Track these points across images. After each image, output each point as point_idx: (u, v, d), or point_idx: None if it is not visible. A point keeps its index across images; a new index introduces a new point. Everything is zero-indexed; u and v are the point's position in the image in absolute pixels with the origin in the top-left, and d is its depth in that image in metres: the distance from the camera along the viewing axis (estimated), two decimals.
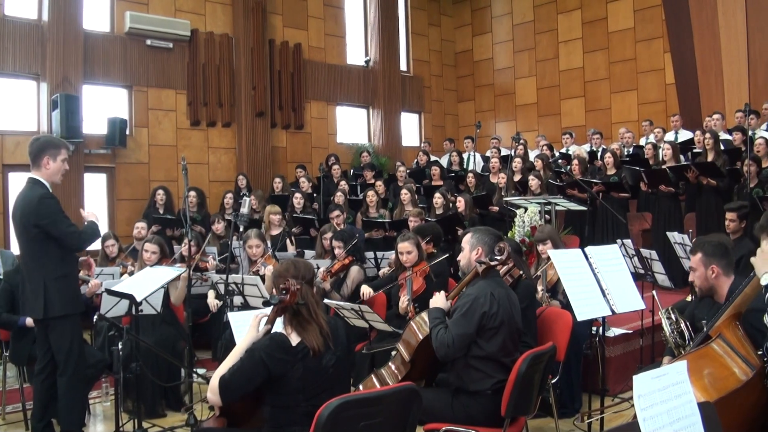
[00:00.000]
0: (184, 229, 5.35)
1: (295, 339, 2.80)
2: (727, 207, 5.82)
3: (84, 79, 9.48)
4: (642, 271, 5.70)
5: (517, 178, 8.75)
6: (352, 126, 13.32)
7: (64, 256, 4.07)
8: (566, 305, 4.23)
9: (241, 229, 5.28)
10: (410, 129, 14.39)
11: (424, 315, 3.52)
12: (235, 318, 3.62)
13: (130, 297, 4.28)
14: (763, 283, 2.56)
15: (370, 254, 6.54)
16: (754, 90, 10.04)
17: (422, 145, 12.77)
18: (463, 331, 3.29)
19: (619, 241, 5.74)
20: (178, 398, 5.13)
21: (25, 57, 9.10)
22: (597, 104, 12.95)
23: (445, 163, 10.76)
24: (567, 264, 4.13)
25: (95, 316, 4.43)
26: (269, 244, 6.54)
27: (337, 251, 5.80)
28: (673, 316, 3.60)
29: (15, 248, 4.79)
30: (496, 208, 8.19)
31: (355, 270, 5.69)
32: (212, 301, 5.71)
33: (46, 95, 9.16)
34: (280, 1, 12.00)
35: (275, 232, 7.49)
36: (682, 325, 3.52)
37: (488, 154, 10.63)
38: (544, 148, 10.23)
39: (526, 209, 6.89)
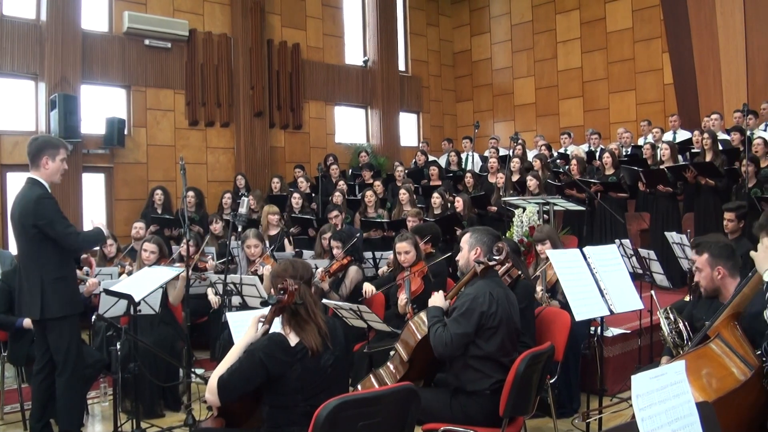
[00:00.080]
0: (183, 229, 5.35)
1: (293, 339, 2.80)
2: (726, 207, 5.82)
3: (82, 79, 9.48)
4: (640, 271, 5.70)
5: (515, 178, 8.76)
6: (351, 126, 13.31)
7: (62, 257, 4.07)
8: (566, 305, 4.23)
9: (240, 229, 5.28)
10: (408, 129, 14.39)
11: (423, 315, 3.53)
12: (233, 318, 3.62)
13: (128, 297, 4.28)
14: (765, 278, 2.55)
15: (368, 254, 6.54)
16: (753, 90, 10.05)
17: (420, 145, 12.77)
18: (461, 331, 3.29)
19: (617, 241, 5.75)
20: (177, 398, 5.12)
21: (23, 57, 9.09)
22: (595, 104, 12.96)
23: (444, 163, 10.77)
24: (565, 264, 4.13)
25: (93, 316, 4.43)
26: (267, 244, 6.54)
27: (335, 251, 5.79)
28: (671, 316, 3.61)
29: (13, 248, 4.77)
30: (494, 208, 8.19)
31: (353, 270, 5.69)
32: (213, 297, 5.73)
33: (45, 95, 9.15)
34: (278, 1, 12.00)
35: (273, 232, 7.48)
36: (681, 325, 3.53)
37: (486, 154, 10.64)
38: (543, 148, 10.23)
39: (524, 209, 6.90)
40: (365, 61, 13.41)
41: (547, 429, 4.53)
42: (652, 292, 5.19)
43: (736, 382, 2.51)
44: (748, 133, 7.77)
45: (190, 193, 8.41)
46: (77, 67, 9.37)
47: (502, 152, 10.16)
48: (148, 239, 5.61)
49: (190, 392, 5.03)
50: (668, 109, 11.50)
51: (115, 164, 9.99)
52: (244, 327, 3.04)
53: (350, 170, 11.77)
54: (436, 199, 8.14)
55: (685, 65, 10.89)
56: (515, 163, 8.95)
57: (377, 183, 9.33)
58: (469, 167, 10.32)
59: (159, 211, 8.55)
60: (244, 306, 4.96)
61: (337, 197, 8.57)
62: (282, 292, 2.79)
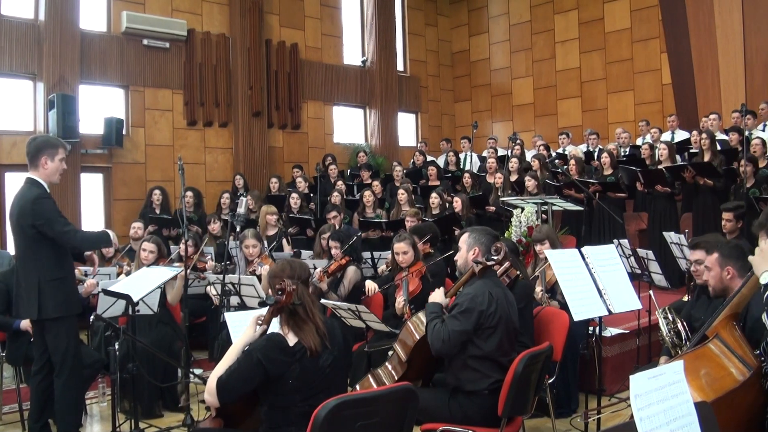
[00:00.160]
0: (181, 229, 5.35)
1: (292, 339, 2.79)
2: (724, 207, 5.82)
3: (81, 78, 9.47)
4: (638, 271, 5.70)
5: (513, 178, 8.76)
6: (349, 126, 13.30)
7: (60, 258, 4.05)
8: (565, 305, 4.23)
9: (238, 229, 5.28)
10: (407, 129, 14.39)
11: (421, 315, 3.53)
12: (232, 318, 3.62)
13: (126, 297, 4.28)
14: (762, 281, 2.55)
15: (367, 254, 6.54)
16: (751, 90, 10.05)
17: (419, 145, 12.76)
18: (460, 328, 3.29)
19: (615, 241, 5.76)
20: (175, 398, 5.12)
21: (21, 57, 9.08)
22: (594, 104, 12.96)
23: (442, 163, 10.76)
24: (564, 264, 4.13)
25: (92, 317, 4.42)
26: (266, 244, 6.54)
27: (334, 251, 5.79)
28: (669, 316, 3.61)
29: (12, 249, 4.77)
30: (492, 208, 8.19)
31: (351, 270, 5.68)
32: (213, 292, 5.72)
33: (43, 95, 9.14)
34: (276, 1, 11.99)
35: (272, 232, 7.48)
36: (679, 325, 3.53)
37: (485, 154, 10.64)
38: (541, 148, 10.23)
39: (522, 209, 6.90)
40: (363, 61, 13.40)
41: (545, 429, 4.54)
42: (651, 292, 5.19)
43: (734, 382, 2.51)
44: (747, 133, 7.77)
45: (189, 193, 8.40)
46: (75, 67, 9.36)
47: (501, 152, 10.15)
48: (146, 239, 5.60)
49: (188, 392, 5.03)
50: (666, 109, 11.50)
51: (113, 164, 9.98)
52: (242, 327, 3.04)
53: (348, 170, 11.77)
54: (434, 199, 8.14)
55: (684, 65, 10.90)
56: (513, 163, 8.95)
57: (376, 183, 9.33)
58: (467, 167, 10.32)
59: (157, 211, 8.54)
60: (242, 306, 4.95)
61: (336, 197, 8.57)
62: (280, 292, 2.79)
